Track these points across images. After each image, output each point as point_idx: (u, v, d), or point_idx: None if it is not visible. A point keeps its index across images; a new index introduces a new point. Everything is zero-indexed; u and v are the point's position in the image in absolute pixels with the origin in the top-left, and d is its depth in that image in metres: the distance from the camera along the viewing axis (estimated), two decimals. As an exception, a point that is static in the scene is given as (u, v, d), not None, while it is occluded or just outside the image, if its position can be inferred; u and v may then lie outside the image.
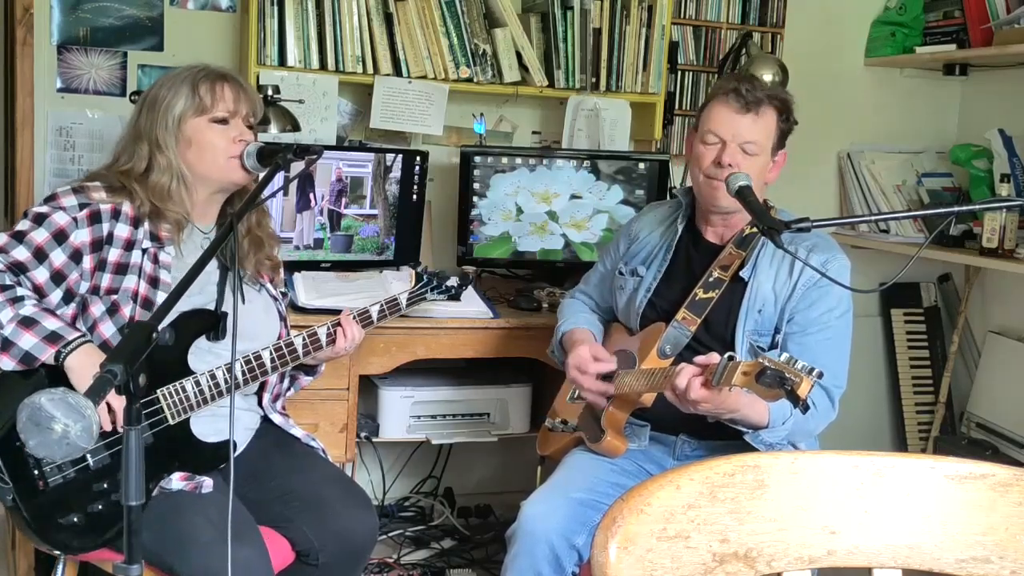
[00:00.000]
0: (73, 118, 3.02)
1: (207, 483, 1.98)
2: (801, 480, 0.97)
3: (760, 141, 2.14)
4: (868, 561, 0.98)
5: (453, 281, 2.38)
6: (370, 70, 3.01)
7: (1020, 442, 3.38)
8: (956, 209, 2.98)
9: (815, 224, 2.06)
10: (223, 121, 2.04)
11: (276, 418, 2.23)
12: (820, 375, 1.66)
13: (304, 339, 2.10)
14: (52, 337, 1.85)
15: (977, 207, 3.16)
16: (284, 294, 2.31)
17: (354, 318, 2.18)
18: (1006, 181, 3.17)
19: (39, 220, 1.93)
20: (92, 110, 3.04)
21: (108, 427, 1.87)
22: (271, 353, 2.06)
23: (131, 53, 3.05)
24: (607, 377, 2.22)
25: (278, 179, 1.93)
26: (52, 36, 2.98)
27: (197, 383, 1.97)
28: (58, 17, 2.97)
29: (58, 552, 1.96)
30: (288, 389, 2.31)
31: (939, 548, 0.98)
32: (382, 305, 2.24)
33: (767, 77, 3.11)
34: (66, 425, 1.27)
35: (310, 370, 2.30)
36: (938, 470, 1.00)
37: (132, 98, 2.83)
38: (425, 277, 2.34)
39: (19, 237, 1.92)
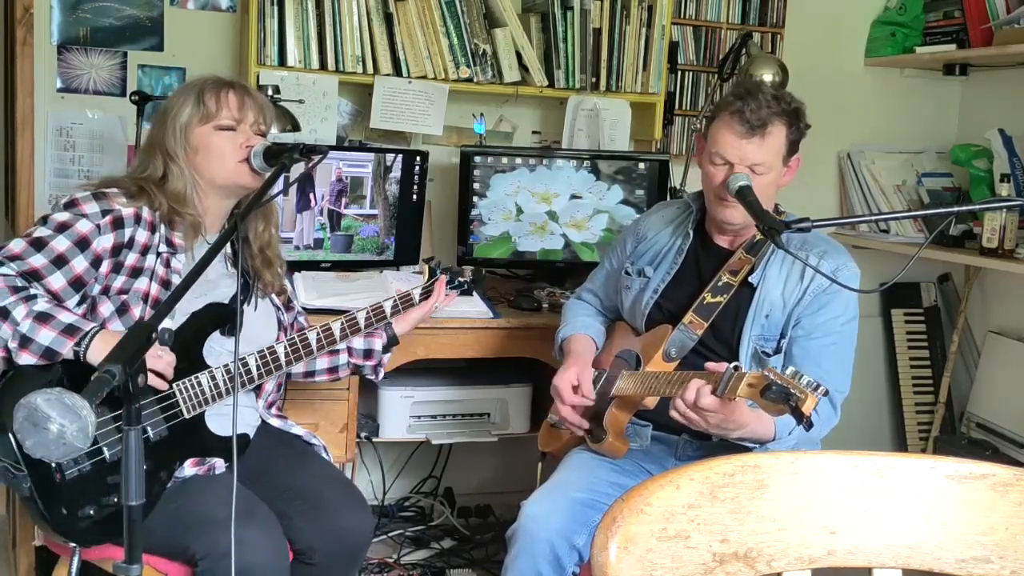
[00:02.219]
0: (73, 118, 3.02)
1: (219, 464, 2.02)
2: (801, 480, 0.97)
3: (768, 161, 2.12)
4: (868, 561, 0.98)
5: (467, 276, 2.38)
6: (370, 70, 3.01)
7: (1020, 442, 3.38)
8: (956, 209, 2.98)
9: (815, 224, 2.06)
10: (229, 128, 2.04)
11: (274, 421, 2.24)
12: (825, 392, 1.66)
13: (318, 334, 2.12)
14: (69, 330, 1.85)
15: (977, 207, 3.16)
16: (288, 307, 2.31)
17: (368, 312, 2.20)
18: (1006, 181, 3.17)
19: (62, 228, 1.93)
20: (92, 110, 3.04)
21: (163, 385, 1.91)
22: (285, 347, 2.08)
23: (131, 53, 3.05)
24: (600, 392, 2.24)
25: (280, 180, 1.94)
26: (52, 36, 2.98)
27: (212, 377, 1.99)
28: (58, 17, 2.97)
29: (73, 545, 1.96)
30: (380, 368, 2.36)
31: (939, 548, 0.98)
32: (396, 301, 2.25)
33: (767, 77, 3.10)
34: (62, 425, 1.27)
35: (386, 348, 2.35)
36: (938, 470, 1.00)
37: (132, 98, 2.83)
38: (439, 272, 2.33)
39: (38, 245, 1.92)
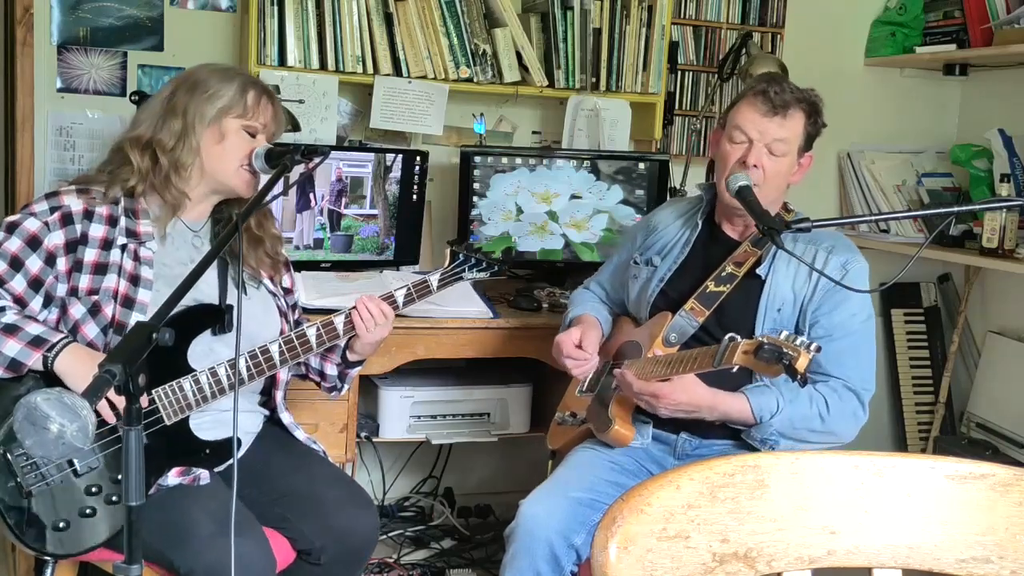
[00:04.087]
0: (73, 118, 3.02)
1: (204, 475, 1.98)
2: (801, 480, 0.97)
3: (789, 139, 2.15)
4: (868, 561, 0.98)
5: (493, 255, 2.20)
6: (370, 70, 3.00)
7: (1020, 442, 3.38)
8: (956, 209, 2.98)
9: (815, 224, 2.07)
10: (252, 133, 2.04)
11: (285, 417, 2.22)
12: (819, 349, 1.70)
13: (319, 329, 2.05)
14: (36, 341, 1.85)
15: (977, 207, 3.16)
16: (287, 290, 2.26)
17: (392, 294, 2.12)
18: (1006, 181, 3.17)
19: (11, 229, 1.94)
20: (92, 110, 3.04)
21: (111, 421, 1.87)
22: (280, 346, 2.01)
23: (131, 53, 3.05)
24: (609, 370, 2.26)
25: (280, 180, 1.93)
26: (52, 36, 2.98)
27: (196, 381, 1.95)
28: (58, 17, 2.97)
29: (47, 557, 1.94)
30: (342, 386, 2.25)
31: (939, 548, 0.98)
32: (409, 289, 2.13)
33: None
34: (62, 425, 1.27)
35: (352, 363, 2.22)
36: (938, 470, 1.00)
37: (132, 98, 2.83)
38: (462, 255, 2.15)
39: None
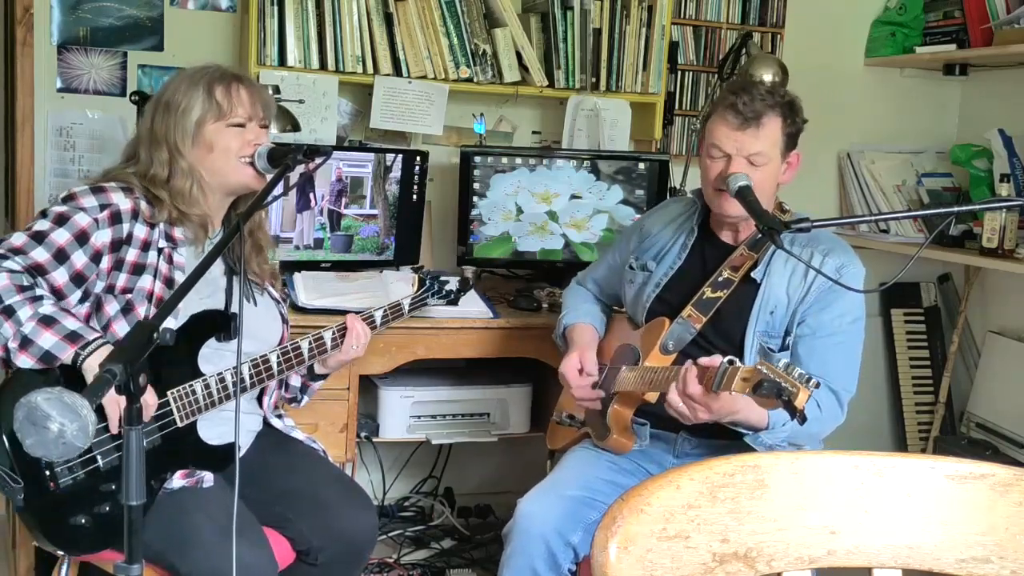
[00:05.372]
0: (73, 118, 3.02)
1: (207, 477, 1.99)
2: (801, 480, 0.97)
3: (765, 151, 2.12)
4: (868, 561, 0.98)
5: (452, 285, 2.39)
6: (370, 70, 3.01)
7: (1020, 442, 3.38)
8: (956, 209, 2.98)
9: (815, 224, 2.06)
10: (240, 125, 2.03)
11: (276, 423, 2.23)
12: (817, 385, 1.65)
13: (310, 342, 2.11)
14: (72, 336, 1.83)
15: (977, 207, 3.16)
16: (285, 297, 2.32)
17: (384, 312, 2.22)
18: (1006, 181, 3.17)
19: (60, 221, 1.91)
20: (92, 110, 3.04)
21: (115, 429, 1.86)
22: (278, 356, 2.06)
23: (131, 53, 3.05)
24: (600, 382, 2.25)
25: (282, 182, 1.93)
26: (52, 36, 2.98)
27: (206, 385, 1.97)
28: (58, 17, 2.97)
29: (62, 552, 1.95)
30: (302, 398, 2.30)
31: (939, 548, 0.98)
32: (386, 310, 2.26)
33: (767, 77, 3.10)
34: (62, 424, 1.27)
35: (318, 376, 2.28)
36: (938, 470, 1.00)
37: (132, 98, 2.83)
38: (427, 282, 2.36)
39: (39, 238, 1.89)
